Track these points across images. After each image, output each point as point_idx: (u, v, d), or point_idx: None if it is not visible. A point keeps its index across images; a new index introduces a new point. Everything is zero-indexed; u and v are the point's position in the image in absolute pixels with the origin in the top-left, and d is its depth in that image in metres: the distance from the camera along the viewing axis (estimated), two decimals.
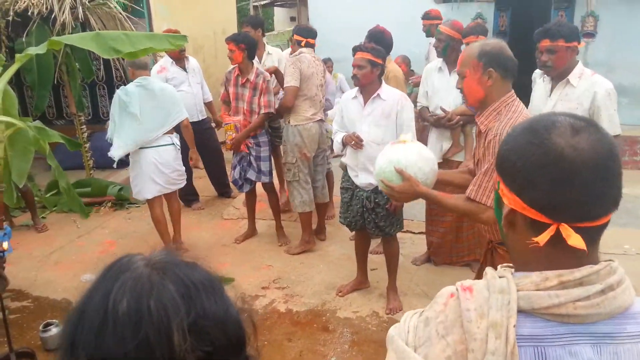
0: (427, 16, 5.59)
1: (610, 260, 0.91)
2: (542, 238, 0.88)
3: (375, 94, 3.55)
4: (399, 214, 3.74)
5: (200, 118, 5.68)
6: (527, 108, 2.34)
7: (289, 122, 4.56)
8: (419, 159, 2.44)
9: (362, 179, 3.69)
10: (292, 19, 19.18)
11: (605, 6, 7.09)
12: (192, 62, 5.66)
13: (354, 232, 4.05)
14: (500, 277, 0.93)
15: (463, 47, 4.14)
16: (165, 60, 5.51)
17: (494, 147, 2.18)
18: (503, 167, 0.97)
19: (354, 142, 3.62)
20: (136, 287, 0.73)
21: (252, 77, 4.56)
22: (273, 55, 5.54)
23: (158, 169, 4.45)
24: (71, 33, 6.08)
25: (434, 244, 4.39)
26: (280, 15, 20.07)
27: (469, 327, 0.88)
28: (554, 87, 3.25)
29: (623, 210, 2.49)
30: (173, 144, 4.55)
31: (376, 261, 4.43)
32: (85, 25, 6.77)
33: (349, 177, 3.79)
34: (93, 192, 5.99)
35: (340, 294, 4.05)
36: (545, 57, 3.10)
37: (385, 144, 3.49)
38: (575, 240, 0.86)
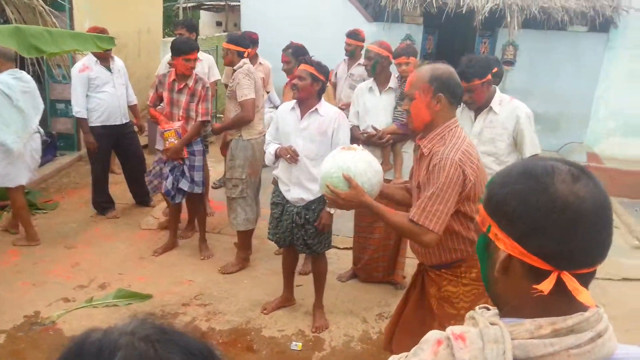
0: (355, 36, 5.40)
1: (597, 307, 0.92)
2: (546, 287, 0.87)
3: (313, 109, 3.49)
4: (328, 232, 3.69)
5: (124, 121, 5.37)
6: None
7: (240, 136, 4.34)
8: (369, 169, 2.39)
9: (294, 194, 3.60)
10: (218, 23, 18.87)
11: (525, 37, 7.51)
12: (117, 62, 5.34)
13: (280, 248, 3.96)
14: (492, 324, 0.91)
15: (392, 67, 4.20)
16: (88, 59, 5.15)
17: (438, 171, 2.19)
18: (500, 211, 0.94)
19: (290, 155, 3.53)
20: None
21: (191, 82, 4.37)
22: (204, 61, 5.35)
23: (32, 156, 4.63)
24: None
25: (361, 261, 4.38)
26: (205, 19, 19.69)
27: None
28: (477, 114, 3.41)
29: None
30: (39, 131, 4.70)
31: (302, 277, 4.36)
32: None
33: (280, 191, 3.69)
34: None
35: (265, 311, 3.93)
36: (465, 96, 3.21)
37: (319, 159, 3.45)
38: (584, 296, 0.87)
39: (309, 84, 3.43)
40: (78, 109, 5.13)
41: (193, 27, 5.22)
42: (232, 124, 4.38)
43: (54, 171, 6.54)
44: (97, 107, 5.17)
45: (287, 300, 4.01)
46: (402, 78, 4.10)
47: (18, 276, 4.27)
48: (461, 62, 3.26)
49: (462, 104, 3.53)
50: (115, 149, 5.53)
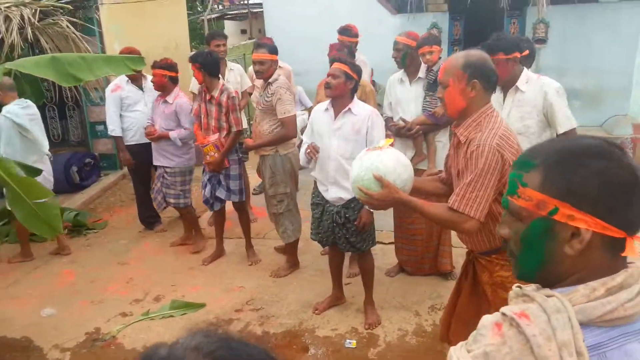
0: (347, 32, 5.20)
1: (632, 262, 0.99)
2: (629, 250, 0.95)
3: (346, 108, 3.49)
4: (370, 229, 3.68)
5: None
6: None
7: (277, 152, 4.32)
8: (397, 165, 2.36)
9: (332, 194, 3.61)
10: (243, 31, 19.07)
11: (555, 14, 7.32)
12: (149, 81, 5.47)
13: (326, 247, 3.97)
14: (547, 296, 0.95)
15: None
16: (120, 79, 5.29)
17: (476, 158, 2.16)
18: (580, 195, 0.96)
19: (309, 151, 3.58)
20: None
21: (216, 93, 4.43)
22: (234, 70, 5.42)
23: (45, 178, 4.64)
24: (20, 54, 5.82)
25: (405, 255, 4.36)
26: (230, 28, 19.92)
27: (540, 352, 0.90)
28: (505, 94, 3.39)
29: None
30: (48, 154, 4.95)
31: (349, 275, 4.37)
32: (34, 46, 6.51)
33: (319, 192, 3.71)
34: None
35: (316, 311, 3.95)
36: None
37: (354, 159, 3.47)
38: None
39: (343, 82, 3.43)
40: (112, 127, 5.29)
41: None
42: (273, 142, 4.27)
43: (100, 191, 6.74)
44: (130, 125, 5.32)
45: (337, 299, 4.03)
46: (427, 67, 4.07)
47: (76, 296, 4.43)
48: (491, 37, 3.21)
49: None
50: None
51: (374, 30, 7.72)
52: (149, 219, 5.66)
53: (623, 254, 0.94)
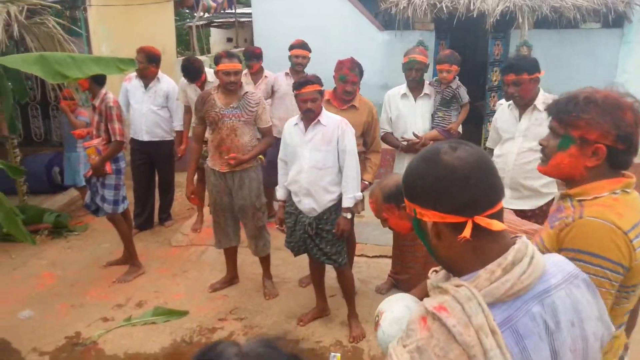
0: (305, 46, 5.45)
1: (517, 236, 1.15)
2: (466, 232, 1.08)
3: (315, 120, 3.56)
4: (344, 241, 3.73)
5: (145, 139, 5.43)
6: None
7: (259, 162, 4.31)
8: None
9: (305, 205, 3.66)
10: (229, 39, 19.02)
11: (539, 36, 7.51)
12: (162, 85, 5.41)
13: (296, 256, 3.98)
14: (457, 286, 1.09)
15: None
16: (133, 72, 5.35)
17: None
18: (414, 193, 1.17)
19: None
20: None
21: (97, 102, 4.43)
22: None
23: None
24: (4, 52, 5.72)
25: (405, 274, 4.35)
26: (216, 36, 19.87)
27: (461, 339, 1.02)
28: (522, 113, 3.48)
29: None
30: None
31: (334, 287, 4.37)
32: (19, 44, 6.42)
33: (293, 202, 3.75)
34: (28, 220, 5.56)
35: (301, 323, 3.96)
36: (512, 89, 3.33)
37: (327, 169, 3.55)
38: (497, 225, 1.09)
39: (320, 101, 3.55)
40: None
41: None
42: (262, 151, 4.27)
43: (82, 193, 6.62)
44: (130, 118, 5.43)
45: (322, 310, 4.05)
46: (441, 84, 4.17)
47: (56, 299, 4.36)
48: (509, 58, 3.31)
49: (508, 101, 3.59)
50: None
51: (362, 45, 7.82)
52: (162, 214, 5.83)
53: (494, 229, 1.08)
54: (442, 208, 1.11)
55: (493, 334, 1.02)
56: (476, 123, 7.68)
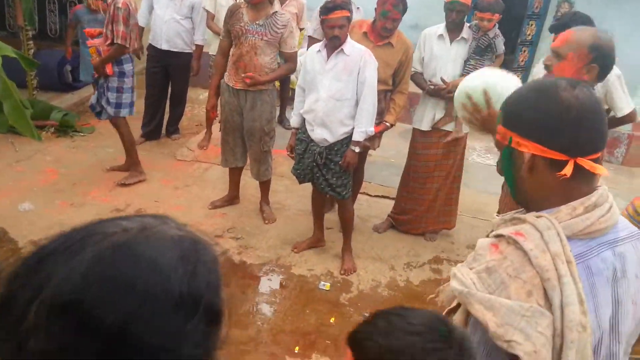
0: None
1: (600, 186, 1.17)
2: (567, 170, 1.09)
3: (339, 49, 3.42)
4: (350, 175, 3.69)
5: (164, 47, 5.25)
6: None
7: (274, 86, 4.26)
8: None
9: (317, 134, 3.59)
10: None
11: None
12: None
13: (300, 183, 3.95)
14: (537, 217, 1.12)
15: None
16: None
17: None
18: (516, 122, 1.15)
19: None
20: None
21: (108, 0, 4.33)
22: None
23: None
24: None
25: (407, 215, 4.33)
26: None
27: (537, 262, 1.06)
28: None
29: None
30: None
31: (332, 220, 4.36)
32: None
33: (306, 129, 3.68)
34: (35, 115, 5.48)
35: (295, 250, 3.98)
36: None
37: (345, 101, 3.45)
38: (601, 170, 1.11)
39: (347, 28, 3.40)
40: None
41: None
42: (282, 76, 4.27)
43: (91, 94, 6.54)
44: (151, 24, 5.28)
45: (318, 241, 4.06)
46: (480, 31, 3.96)
47: (57, 195, 4.38)
48: (564, 16, 3.12)
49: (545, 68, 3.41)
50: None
51: None
52: (169, 127, 5.74)
53: (563, 173, 1.08)
54: (547, 143, 1.10)
55: (569, 263, 1.06)
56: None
